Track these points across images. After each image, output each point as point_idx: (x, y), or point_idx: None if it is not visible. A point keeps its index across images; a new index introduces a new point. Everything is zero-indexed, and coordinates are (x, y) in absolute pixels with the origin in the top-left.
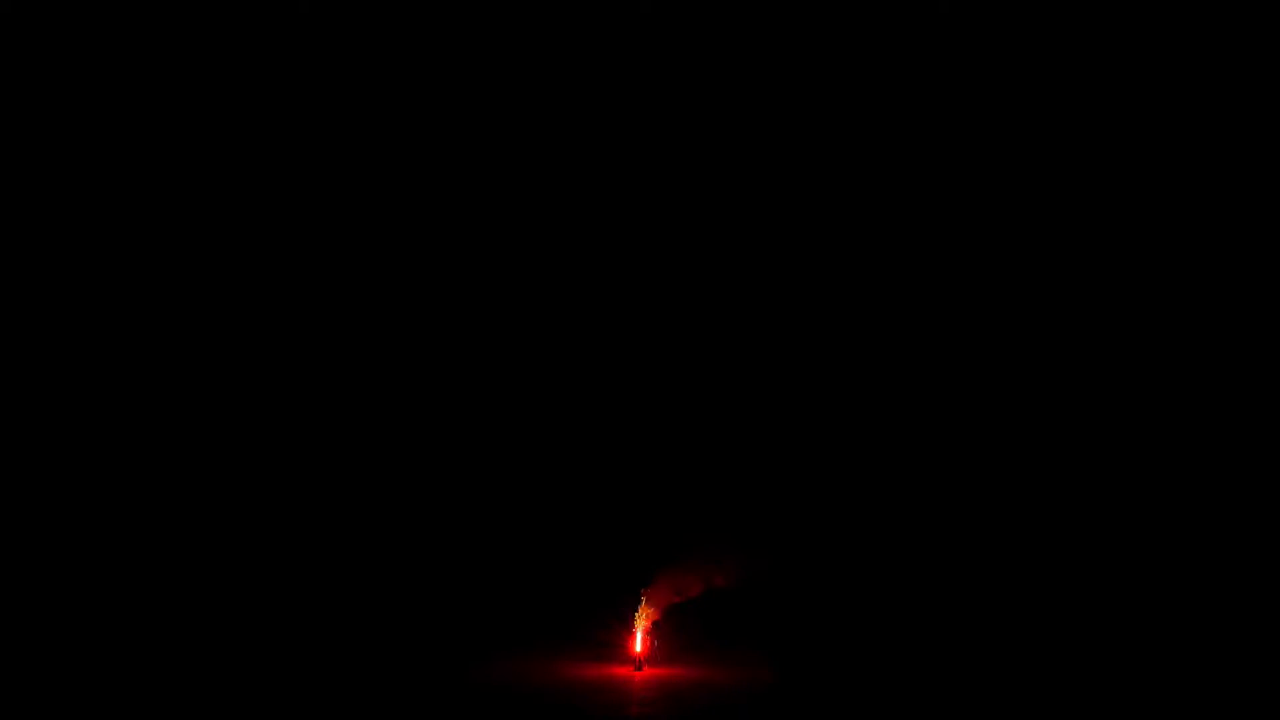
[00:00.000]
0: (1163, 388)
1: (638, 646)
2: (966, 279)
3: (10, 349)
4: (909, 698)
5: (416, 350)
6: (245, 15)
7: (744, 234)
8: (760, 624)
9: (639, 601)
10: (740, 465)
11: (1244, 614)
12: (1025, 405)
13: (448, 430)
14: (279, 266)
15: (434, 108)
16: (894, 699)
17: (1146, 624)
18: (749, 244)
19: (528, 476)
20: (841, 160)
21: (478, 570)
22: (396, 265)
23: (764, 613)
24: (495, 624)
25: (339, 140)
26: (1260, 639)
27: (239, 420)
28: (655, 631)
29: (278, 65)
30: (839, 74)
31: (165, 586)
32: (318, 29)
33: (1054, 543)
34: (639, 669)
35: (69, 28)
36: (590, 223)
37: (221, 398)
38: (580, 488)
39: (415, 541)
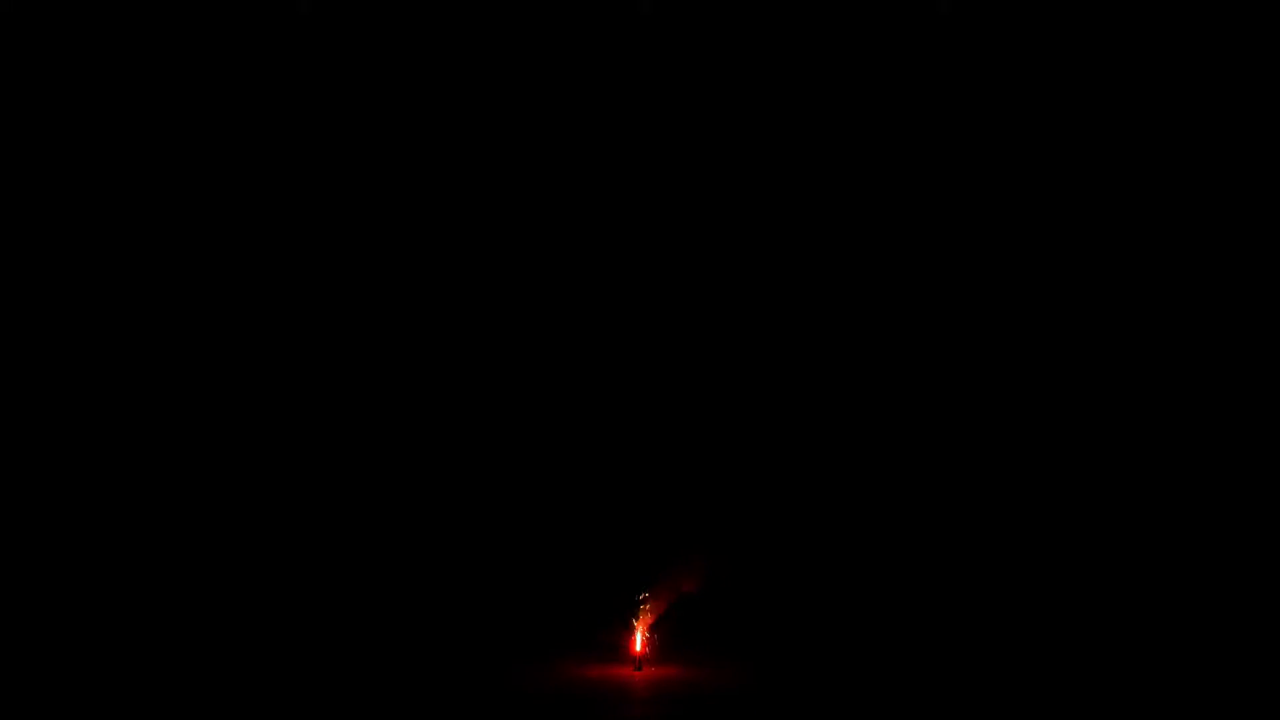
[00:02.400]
0: (1162, 388)
1: (638, 646)
2: (938, 282)
3: (10, 349)
4: (901, 695)
5: (418, 363)
6: (245, 15)
7: (717, 239)
8: (758, 623)
9: (639, 601)
10: (731, 466)
11: (1244, 614)
12: (1004, 407)
13: (446, 439)
14: (279, 267)
15: (434, 108)
16: (887, 697)
17: (1133, 626)
18: (721, 251)
19: (527, 478)
20: (841, 160)
21: (477, 573)
22: (398, 268)
23: (762, 612)
24: (496, 625)
25: (339, 140)
26: (1260, 639)
27: (250, 432)
28: (655, 631)
29: (278, 65)
30: (839, 74)
31: (178, 590)
32: (318, 29)
33: (1030, 542)
34: (639, 669)
35: (69, 28)
36: (582, 225)
37: (232, 406)
38: (579, 489)
39: (417, 546)
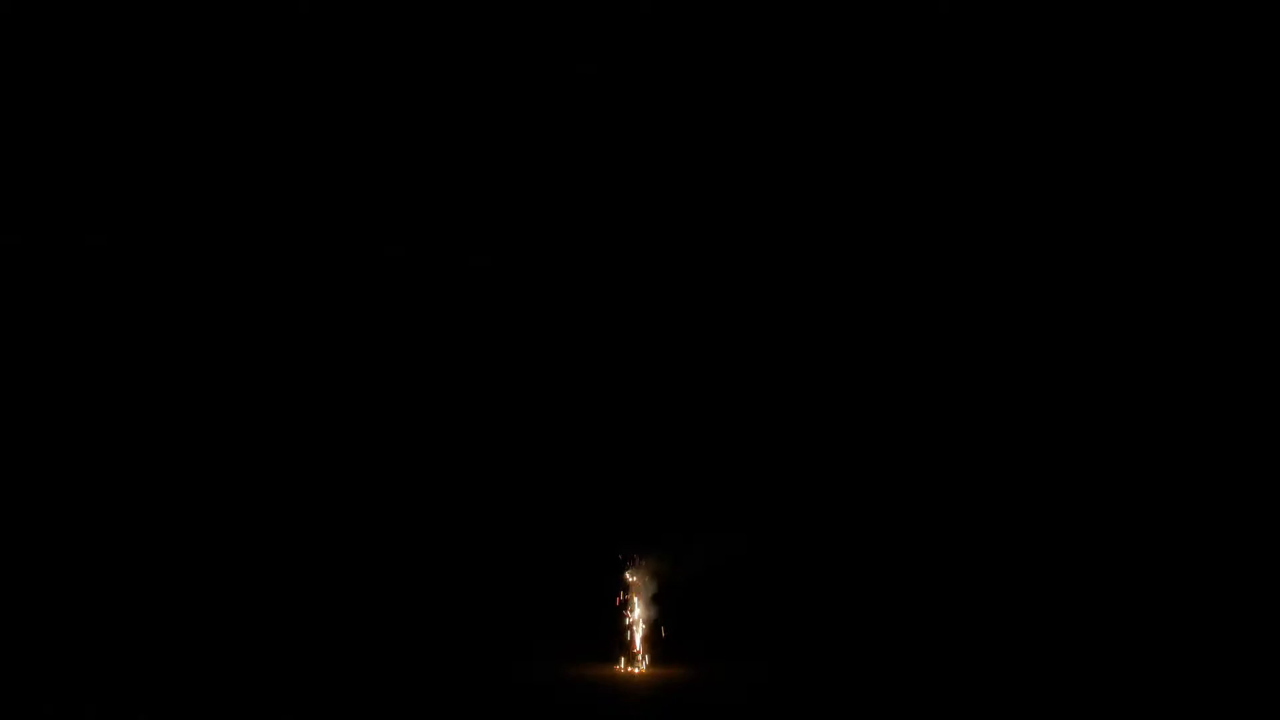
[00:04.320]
0: (1162, 388)
1: (637, 645)
2: (954, 277)
3: (10, 349)
4: (903, 695)
5: (402, 361)
6: (245, 15)
7: (717, 239)
8: (759, 620)
9: (634, 592)
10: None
11: (1244, 614)
12: (1010, 402)
13: (437, 436)
14: (278, 266)
15: (434, 107)
16: (889, 696)
17: (1143, 624)
18: (720, 250)
19: (519, 477)
20: (841, 160)
21: (475, 571)
22: (395, 266)
23: (763, 609)
24: (493, 624)
25: (339, 140)
26: (1260, 639)
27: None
28: (655, 629)
29: (278, 65)
30: (839, 74)
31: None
32: (318, 29)
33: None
34: (639, 668)
35: (69, 27)
36: (581, 224)
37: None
38: (573, 483)
39: (413, 544)
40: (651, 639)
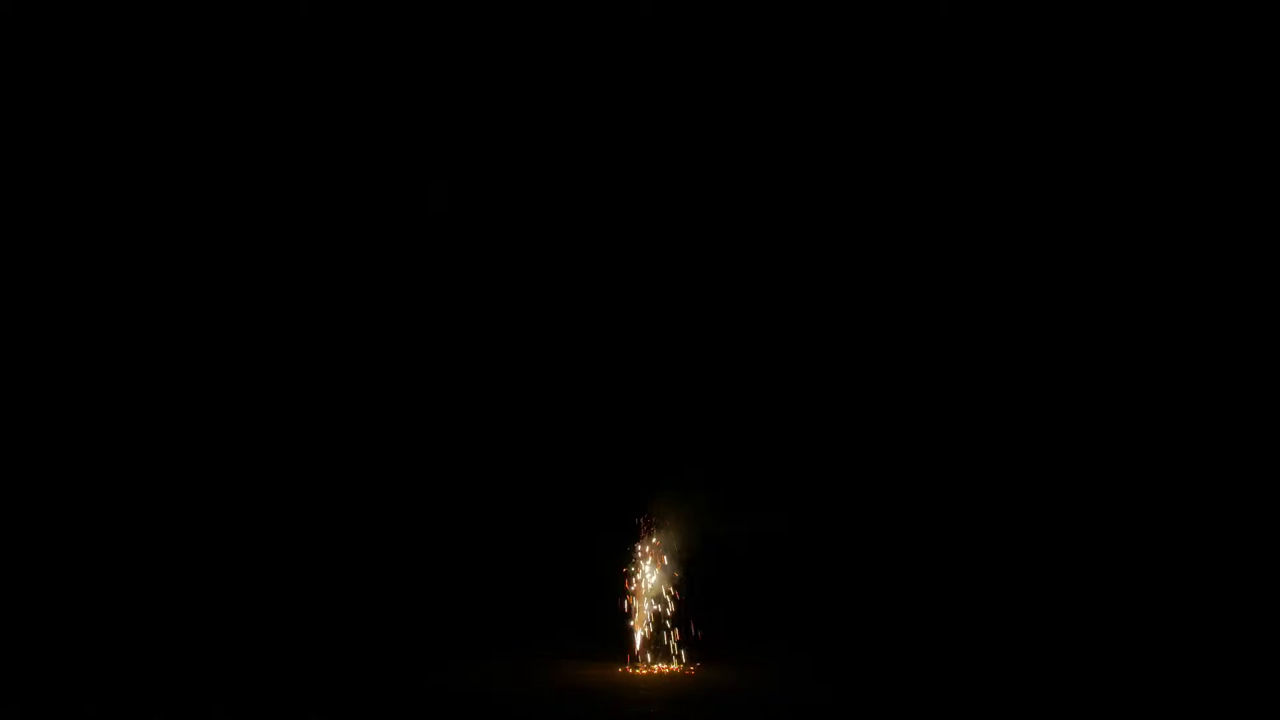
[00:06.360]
0: (1162, 388)
1: (638, 643)
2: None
3: (10, 349)
4: (915, 697)
5: (389, 351)
6: (245, 15)
7: (717, 239)
8: (765, 620)
9: (643, 571)
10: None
11: (1244, 614)
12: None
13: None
14: (277, 265)
15: (434, 108)
16: (900, 698)
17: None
18: (721, 249)
19: (517, 469)
20: (841, 160)
21: (473, 569)
22: (393, 265)
23: (768, 607)
24: (492, 623)
25: (338, 140)
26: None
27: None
28: (657, 627)
29: (278, 65)
30: (839, 74)
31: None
32: (318, 29)
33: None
34: (640, 668)
35: (69, 27)
36: (582, 224)
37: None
38: (572, 475)
39: (407, 541)
40: (650, 642)
